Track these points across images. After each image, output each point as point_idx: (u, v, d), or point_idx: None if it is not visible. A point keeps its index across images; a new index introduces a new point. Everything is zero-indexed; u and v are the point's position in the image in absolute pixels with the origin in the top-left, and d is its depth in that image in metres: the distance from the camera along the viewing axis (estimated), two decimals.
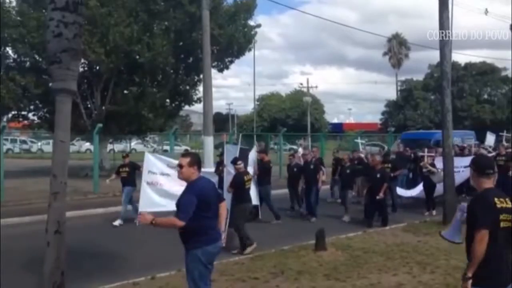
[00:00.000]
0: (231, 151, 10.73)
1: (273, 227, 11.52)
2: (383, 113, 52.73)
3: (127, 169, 12.22)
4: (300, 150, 21.96)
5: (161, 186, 11.29)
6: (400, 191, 14.33)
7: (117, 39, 19.25)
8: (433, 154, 14.11)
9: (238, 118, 65.91)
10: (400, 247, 8.87)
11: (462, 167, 13.72)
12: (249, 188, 9.70)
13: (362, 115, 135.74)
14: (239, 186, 9.21)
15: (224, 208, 5.13)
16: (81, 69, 20.40)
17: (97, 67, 21.06)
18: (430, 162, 13.44)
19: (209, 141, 16.43)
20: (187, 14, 21.38)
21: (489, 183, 3.71)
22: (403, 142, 20.40)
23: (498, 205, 3.56)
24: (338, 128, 59.18)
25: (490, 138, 21.25)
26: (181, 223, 4.50)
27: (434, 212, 12.74)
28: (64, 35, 5.03)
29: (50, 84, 6.94)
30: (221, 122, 62.15)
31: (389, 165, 13.41)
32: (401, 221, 11.72)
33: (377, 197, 11.16)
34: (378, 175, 11.53)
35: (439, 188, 12.99)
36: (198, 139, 33.32)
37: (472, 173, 3.76)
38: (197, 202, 4.56)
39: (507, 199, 3.64)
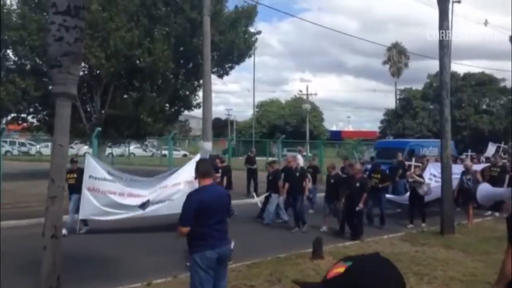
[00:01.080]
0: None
1: (270, 234, 11.47)
2: (382, 122, 52.72)
3: (74, 175, 11.19)
4: (299, 157, 22.01)
5: (104, 194, 10.73)
6: (389, 195, 14.24)
7: (118, 43, 19.30)
8: (420, 164, 13.92)
9: (237, 124, 65.93)
10: (397, 256, 8.84)
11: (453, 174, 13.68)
12: None
13: (361, 123, 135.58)
14: None
15: None
16: (81, 73, 20.42)
17: (97, 71, 21.09)
18: (418, 173, 13.17)
19: (208, 146, 16.44)
20: (188, 20, 21.45)
21: None
22: (377, 151, 20.47)
23: None
24: (336, 136, 59.18)
25: (491, 149, 21.28)
26: (182, 229, 4.80)
27: (423, 225, 12.31)
28: (65, 39, 5.05)
29: (50, 88, 6.95)
30: (220, 128, 62.17)
31: (378, 176, 13.01)
32: (398, 230, 11.70)
33: (357, 208, 10.69)
34: (358, 184, 11.06)
35: (427, 198, 12.96)
36: (196, 144, 33.30)
37: None
38: (196, 208, 4.77)
39: None
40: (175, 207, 10.38)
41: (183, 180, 10.40)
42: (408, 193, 13.63)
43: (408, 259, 8.67)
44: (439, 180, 13.52)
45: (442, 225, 11.30)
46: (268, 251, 9.03)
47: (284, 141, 26.45)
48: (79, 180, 11.01)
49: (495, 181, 14.58)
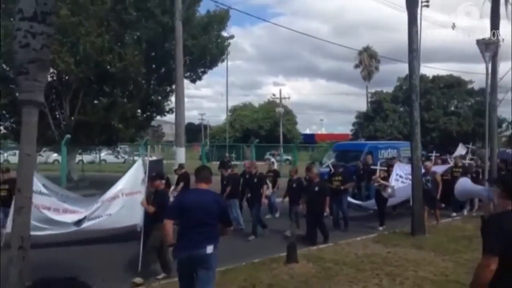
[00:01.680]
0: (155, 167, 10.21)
1: (244, 240, 11.41)
2: (354, 124, 53.36)
3: (7, 186, 10.41)
4: (273, 160, 22.06)
5: (38, 209, 9.83)
6: (356, 201, 14.39)
7: (87, 48, 18.97)
8: (385, 168, 14.04)
9: (210, 128, 65.74)
10: (370, 258, 8.95)
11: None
12: None
13: (333, 126, 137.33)
14: (163, 204, 7.91)
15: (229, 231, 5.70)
16: (50, 79, 20.00)
17: (67, 77, 20.69)
18: (383, 176, 13.30)
19: (181, 152, 16.34)
20: (159, 24, 21.27)
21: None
22: (335, 154, 20.21)
23: None
24: (310, 139, 59.59)
25: (462, 150, 21.70)
26: (165, 221, 5.40)
27: (380, 228, 12.44)
28: (32, 45, 4.94)
29: (17, 95, 6.78)
30: (194, 133, 61.83)
31: (339, 178, 12.92)
32: (371, 232, 11.84)
33: (325, 214, 10.68)
34: (316, 189, 10.88)
35: (392, 200, 13.17)
36: (170, 150, 33.04)
37: (497, 192, 3.49)
38: (180, 206, 5.37)
39: None
40: (114, 221, 10.05)
41: (121, 193, 9.85)
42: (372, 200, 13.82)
43: (380, 260, 8.79)
44: (405, 180, 13.79)
45: (412, 226, 11.48)
46: (242, 256, 9.01)
47: (257, 145, 26.47)
48: (12, 192, 9.89)
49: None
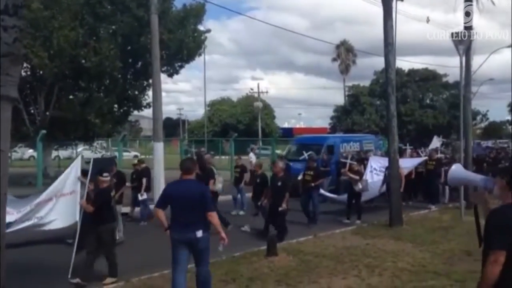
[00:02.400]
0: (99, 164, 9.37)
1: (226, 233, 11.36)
2: (332, 118, 53.83)
3: None
4: (252, 155, 22.04)
5: None
6: (328, 194, 14.34)
7: (61, 42, 18.61)
8: (354, 163, 13.95)
9: (189, 123, 65.42)
10: (349, 250, 9.04)
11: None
12: (113, 206, 8.21)
13: (312, 119, 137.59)
14: (105, 204, 7.59)
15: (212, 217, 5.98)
16: (23, 74, 19.60)
17: (41, 72, 20.31)
18: (356, 169, 13.18)
19: (159, 147, 16.19)
20: (135, 18, 20.99)
21: None
22: (296, 147, 20.12)
23: None
24: (288, 133, 59.74)
25: (436, 142, 22.04)
26: (156, 210, 6.11)
27: (358, 222, 12.28)
28: (3, 39, 4.80)
29: None
30: (172, 128, 61.50)
31: (311, 173, 12.54)
32: (350, 224, 11.95)
33: (280, 209, 10.17)
34: (279, 183, 10.49)
35: (369, 194, 13.11)
36: (148, 145, 32.76)
37: (501, 183, 3.28)
38: (167, 196, 6.05)
39: None
40: (44, 224, 9.24)
41: (55, 194, 9.04)
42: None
43: (359, 252, 8.88)
44: (380, 173, 13.93)
45: (391, 217, 11.64)
46: (223, 250, 8.99)
47: (236, 140, 26.43)
48: None
49: (431, 175, 15.15)
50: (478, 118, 49.55)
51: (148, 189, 13.03)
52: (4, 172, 5.10)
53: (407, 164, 14.44)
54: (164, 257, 8.35)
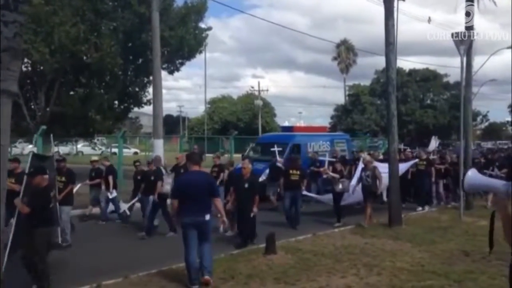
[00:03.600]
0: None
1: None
2: (332, 117, 53.83)
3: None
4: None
5: None
6: (313, 195, 13.83)
7: (62, 38, 18.59)
8: (334, 160, 13.69)
9: (189, 120, 65.39)
10: (348, 249, 9.04)
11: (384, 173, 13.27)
12: (53, 208, 7.66)
13: (312, 118, 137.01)
14: (43, 204, 6.93)
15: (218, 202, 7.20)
16: (24, 69, 19.58)
17: (41, 67, 20.29)
18: (340, 169, 12.71)
19: (159, 144, 16.19)
20: (136, 15, 20.97)
21: None
22: (259, 146, 19.05)
23: None
24: (288, 131, 59.65)
25: (434, 143, 22.00)
26: (173, 201, 7.09)
27: (337, 224, 11.84)
28: (4, 34, 4.81)
29: None
30: (172, 125, 61.53)
31: (297, 172, 12.15)
32: (348, 223, 11.95)
33: (251, 214, 9.52)
34: (246, 185, 9.77)
35: (357, 196, 12.36)
36: (148, 142, 32.75)
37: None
38: (180, 186, 7.10)
39: None
40: None
41: None
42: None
43: (358, 251, 8.89)
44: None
45: (390, 217, 11.63)
46: (221, 248, 9.01)
47: (236, 137, 26.41)
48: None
49: (422, 175, 14.87)
50: (479, 119, 49.58)
51: (116, 187, 12.73)
52: (4, 167, 5.11)
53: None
54: (135, 256, 8.39)
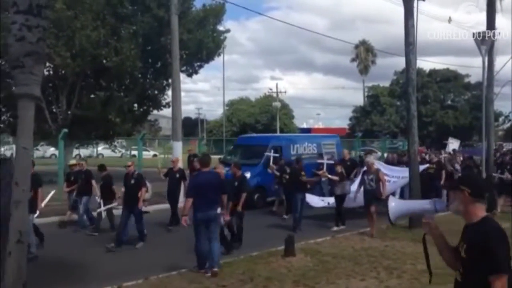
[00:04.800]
0: None
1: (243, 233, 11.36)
2: (350, 119, 53.45)
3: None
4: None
5: None
6: (312, 200, 12.76)
7: (83, 42, 18.90)
8: (332, 161, 13.33)
9: (207, 123, 65.63)
10: (367, 251, 8.97)
11: (393, 177, 13.14)
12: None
13: (330, 120, 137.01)
14: None
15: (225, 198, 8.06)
16: (46, 73, 19.93)
17: (63, 71, 20.63)
18: (340, 171, 12.09)
19: (178, 146, 16.29)
20: (155, 18, 21.20)
21: (484, 209, 2.85)
22: (238, 149, 17.64)
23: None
24: (307, 133, 59.56)
25: (453, 144, 21.59)
26: (187, 200, 7.79)
27: (342, 227, 11.56)
28: (27, 38, 4.90)
29: (13, 89, 6.72)
30: (191, 127, 61.76)
31: (303, 173, 12.05)
32: (368, 225, 11.82)
33: (223, 221, 8.75)
34: (236, 183, 9.60)
35: (359, 201, 11.64)
36: (166, 144, 32.99)
37: (463, 196, 2.81)
38: (194, 186, 7.87)
39: None
40: None
41: None
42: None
43: (378, 253, 8.81)
44: (391, 179, 12.96)
45: (410, 219, 11.49)
46: (240, 249, 9.03)
47: None
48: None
49: (432, 178, 14.32)
50: (501, 119, 48.59)
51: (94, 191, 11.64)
52: (27, 169, 5.20)
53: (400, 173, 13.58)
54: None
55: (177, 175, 12.18)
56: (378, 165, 13.92)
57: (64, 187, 12.19)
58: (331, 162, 13.39)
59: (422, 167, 13.93)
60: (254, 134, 24.86)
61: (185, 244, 8.74)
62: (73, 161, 13.31)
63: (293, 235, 9.02)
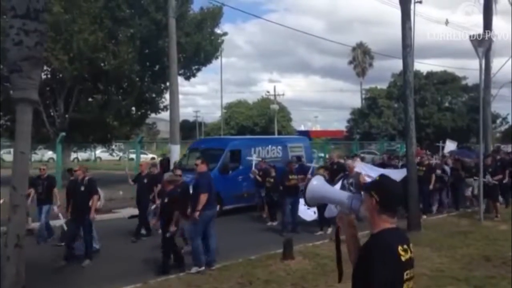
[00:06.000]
0: None
1: (240, 237, 11.39)
2: (348, 121, 53.50)
3: None
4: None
5: None
6: (305, 214, 12.07)
7: (81, 46, 18.89)
8: (315, 166, 12.81)
9: (205, 125, 65.64)
10: None
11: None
12: None
13: (328, 122, 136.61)
14: None
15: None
16: (43, 76, 19.90)
17: (61, 75, 20.61)
18: (322, 175, 10.66)
19: (176, 149, 16.29)
20: (153, 22, 21.22)
21: (392, 221, 2.51)
22: (193, 152, 16.11)
23: (403, 258, 2.43)
24: (305, 136, 59.48)
25: (450, 146, 21.48)
26: (204, 194, 8.13)
27: (329, 230, 11.05)
28: (25, 43, 4.91)
29: (11, 93, 6.73)
30: (188, 130, 61.78)
31: (295, 176, 11.87)
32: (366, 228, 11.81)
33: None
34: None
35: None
36: (165, 147, 32.96)
37: (370, 202, 2.49)
38: (209, 185, 8.47)
39: (410, 245, 2.54)
40: None
41: None
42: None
43: None
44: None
45: (408, 222, 11.51)
46: (239, 253, 9.02)
47: None
48: None
49: (422, 181, 13.33)
50: (498, 121, 48.70)
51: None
52: (24, 173, 5.20)
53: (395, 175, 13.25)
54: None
55: (145, 180, 11.24)
56: (364, 167, 13.29)
57: (32, 193, 10.48)
58: (315, 166, 12.73)
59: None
60: (211, 138, 21.15)
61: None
62: (73, 167, 11.86)
63: (291, 238, 9.01)
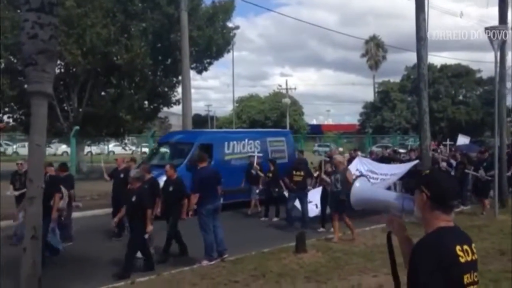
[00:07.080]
0: None
1: (253, 230, 11.42)
2: (361, 115, 53.18)
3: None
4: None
5: None
6: (312, 209, 11.86)
7: (94, 40, 19.01)
8: (327, 159, 12.58)
9: (217, 119, 65.75)
10: (380, 248, 8.91)
11: (381, 175, 12.59)
12: None
13: (340, 116, 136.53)
14: None
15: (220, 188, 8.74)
16: (57, 71, 20.08)
17: (74, 69, 20.77)
18: (329, 170, 11.13)
19: None
20: (165, 16, 21.27)
21: (448, 219, 2.32)
22: (161, 146, 15.49)
23: (462, 259, 2.17)
24: (317, 130, 59.39)
25: (462, 140, 21.13)
26: (194, 195, 8.19)
27: (321, 229, 10.96)
28: (40, 36, 4.94)
29: (26, 86, 6.79)
30: (200, 124, 61.88)
31: (302, 173, 11.48)
32: (379, 222, 11.78)
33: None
34: (171, 188, 8.64)
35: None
36: None
37: (421, 198, 2.27)
38: (200, 180, 8.21)
39: (472, 246, 2.31)
40: None
41: None
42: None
43: None
44: (378, 176, 12.57)
45: None
46: (251, 246, 9.03)
47: None
48: None
49: None
50: None
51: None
52: (40, 166, 5.25)
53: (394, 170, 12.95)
54: None
55: (121, 175, 10.27)
56: (358, 159, 13.52)
57: (11, 189, 10.27)
58: (327, 159, 12.33)
59: (411, 164, 13.29)
60: (180, 132, 18.73)
61: (191, 239, 8.75)
62: (20, 161, 10.70)
63: (304, 232, 8.99)
